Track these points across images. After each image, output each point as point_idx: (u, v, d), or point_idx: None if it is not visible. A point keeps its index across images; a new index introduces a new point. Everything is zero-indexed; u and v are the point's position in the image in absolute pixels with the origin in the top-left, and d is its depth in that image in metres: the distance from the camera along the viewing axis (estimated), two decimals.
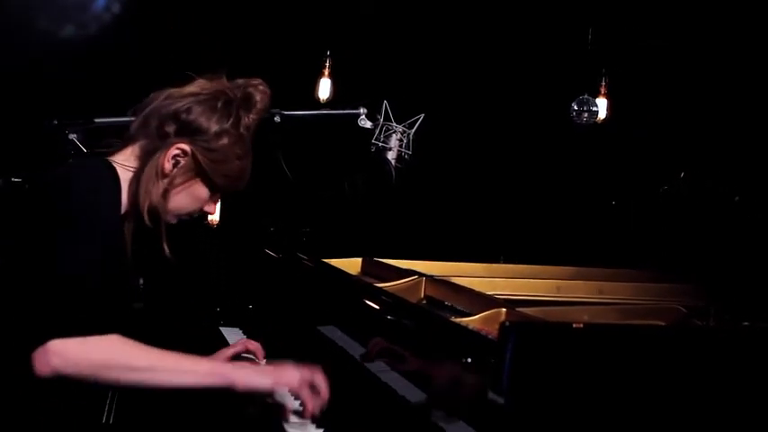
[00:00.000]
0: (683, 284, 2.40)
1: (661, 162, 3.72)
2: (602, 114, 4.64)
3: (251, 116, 1.90)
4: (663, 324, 1.98)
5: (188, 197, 1.88)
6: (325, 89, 4.78)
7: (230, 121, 1.85)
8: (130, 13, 4.58)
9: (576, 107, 4.44)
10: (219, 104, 1.85)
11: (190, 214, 1.93)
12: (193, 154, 1.83)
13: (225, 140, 1.85)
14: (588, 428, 1.38)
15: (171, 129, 1.83)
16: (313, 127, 2.92)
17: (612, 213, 3.42)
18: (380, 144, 2.72)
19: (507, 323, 1.39)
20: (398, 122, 2.74)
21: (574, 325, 1.47)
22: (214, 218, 4.47)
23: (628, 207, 3.34)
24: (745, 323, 2.00)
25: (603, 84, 4.73)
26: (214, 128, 1.84)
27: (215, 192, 1.91)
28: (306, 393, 1.75)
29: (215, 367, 1.75)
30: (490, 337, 1.52)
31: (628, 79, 4.59)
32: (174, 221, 1.92)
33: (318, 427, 1.77)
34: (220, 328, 2.74)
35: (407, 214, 3.97)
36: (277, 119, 2.54)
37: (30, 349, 1.69)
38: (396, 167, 2.72)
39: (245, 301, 2.94)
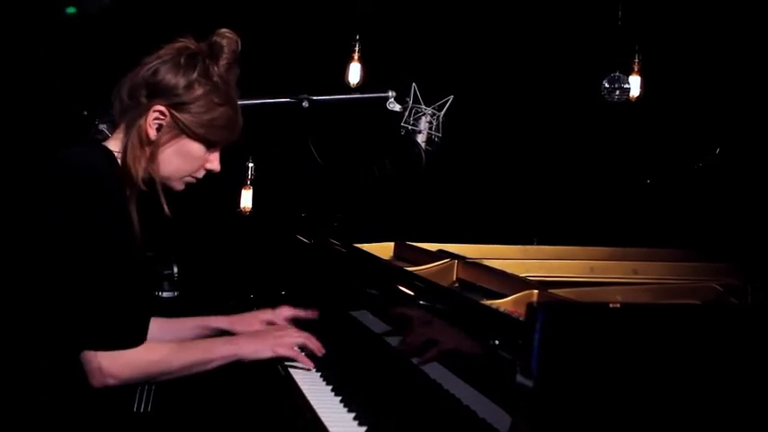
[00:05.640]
0: (720, 263, 2.37)
1: (696, 139, 3.66)
2: (635, 92, 4.56)
3: (221, 63, 1.91)
4: (698, 303, 1.95)
5: (180, 156, 1.89)
6: (355, 73, 4.76)
7: (197, 72, 1.86)
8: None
9: (607, 85, 4.37)
10: (183, 59, 1.87)
11: (193, 175, 1.94)
12: (171, 113, 1.85)
13: (198, 92, 1.86)
14: (620, 410, 1.36)
15: (143, 96, 1.85)
16: (342, 111, 2.91)
17: (647, 192, 3.38)
18: (410, 127, 2.70)
19: (534, 304, 1.37)
20: (427, 105, 2.72)
21: (610, 305, 1.45)
22: (246, 205, 4.48)
23: (662, 185, 3.29)
24: None
25: (636, 61, 4.65)
26: (182, 82, 1.85)
27: (208, 146, 1.91)
28: (296, 355, 2.00)
29: (229, 350, 1.95)
30: (519, 318, 1.50)
31: (661, 56, 4.52)
32: (180, 186, 1.94)
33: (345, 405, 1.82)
34: None
35: (439, 197, 3.95)
36: (305, 104, 2.54)
37: (67, 341, 1.73)
38: (426, 150, 2.70)
39: (278, 287, 2.95)
